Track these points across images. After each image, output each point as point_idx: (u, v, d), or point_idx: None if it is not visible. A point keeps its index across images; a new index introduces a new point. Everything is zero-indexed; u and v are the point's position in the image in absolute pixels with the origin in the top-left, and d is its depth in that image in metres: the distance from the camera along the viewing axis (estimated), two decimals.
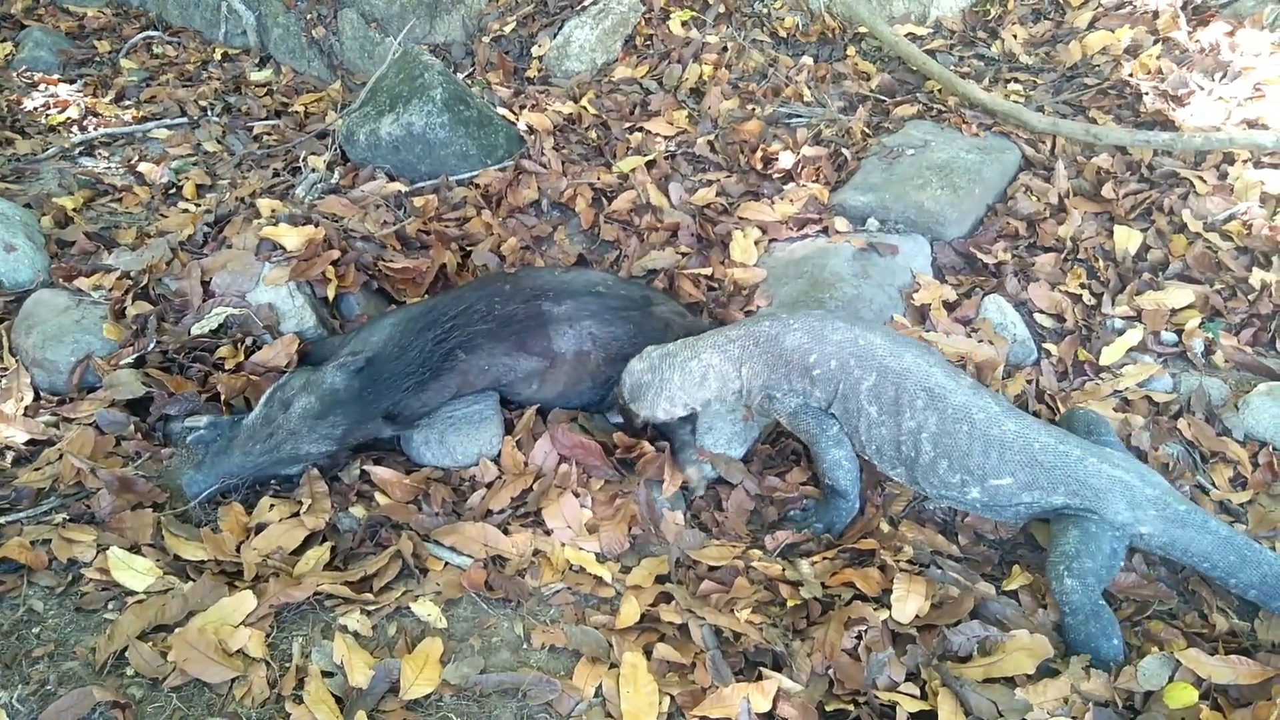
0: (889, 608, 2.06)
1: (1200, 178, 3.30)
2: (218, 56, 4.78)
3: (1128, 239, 3.15)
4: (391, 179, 3.59)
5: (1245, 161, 3.34)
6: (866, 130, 3.74)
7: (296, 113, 4.32)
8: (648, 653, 1.96)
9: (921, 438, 2.23)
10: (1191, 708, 1.90)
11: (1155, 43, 3.90)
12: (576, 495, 2.36)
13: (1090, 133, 3.44)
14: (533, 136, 3.81)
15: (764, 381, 2.36)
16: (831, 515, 2.38)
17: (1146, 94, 3.66)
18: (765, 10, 4.46)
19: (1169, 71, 3.74)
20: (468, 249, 3.20)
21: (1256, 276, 2.97)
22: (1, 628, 1.92)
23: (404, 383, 2.36)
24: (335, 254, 2.92)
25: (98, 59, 4.72)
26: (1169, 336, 2.89)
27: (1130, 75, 3.79)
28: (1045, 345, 2.92)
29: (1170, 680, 1.96)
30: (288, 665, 1.87)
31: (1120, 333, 2.89)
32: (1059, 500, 2.17)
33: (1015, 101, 3.73)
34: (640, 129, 3.85)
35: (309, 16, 4.63)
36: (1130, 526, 2.12)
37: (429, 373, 2.39)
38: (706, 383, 2.38)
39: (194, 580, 2.04)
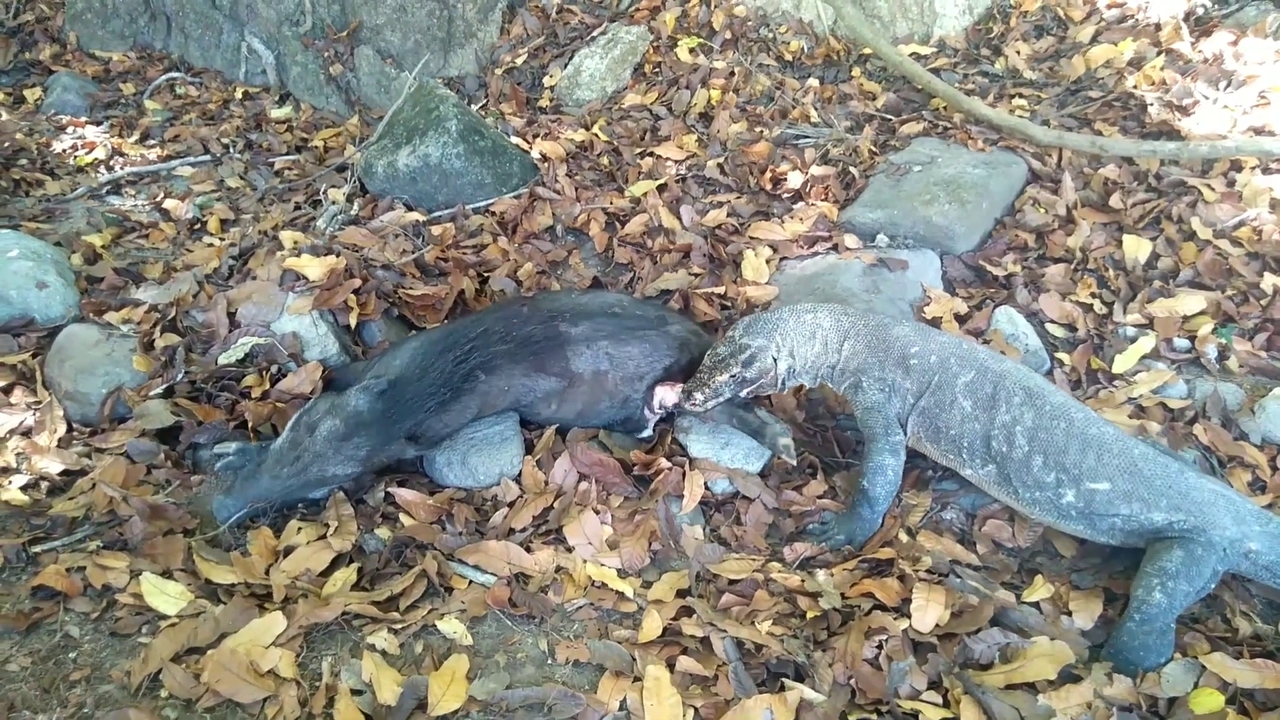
0: (909, 617, 2.08)
1: (1208, 185, 3.32)
2: (239, 95, 4.91)
3: (1137, 248, 3.17)
4: (409, 209, 3.66)
5: (1253, 168, 3.36)
6: (873, 149, 3.79)
7: (316, 147, 4.42)
8: (670, 666, 1.98)
9: (1016, 431, 2.23)
10: (1218, 713, 1.90)
11: (1158, 54, 3.93)
12: (597, 512, 2.40)
13: (1096, 144, 3.47)
14: (546, 164, 3.88)
15: (859, 364, 2.41)
16: (854, 525, 2.39)
17: (1151, 105, 3.69)
18: (771, 35, 4.53)
19: (1173, 82, 3.77)
20: (485, 275, 3.26)
21: (1268, 281, 2.98)
22: (39, 653, 1.97)
23: (426, 403, 2.41)
24: (356, 283, 2.99)
25: (123, 101, 4.86)
26: (1182, 343, 2.90)
27: (1134, 87, 3.82)
28: (1058, 355, 2.94)
29: (1195, 685, 1.96)
30: (318, 684, 1.91)
31: (1133, 340, 2.90)
32: (1160, 517, 2.11)
33: (1020, 116, 3.77)
34: (651, 154, 3.92)
35: (326, 54, 4.75)
36: (1239, 544, 2.07)
37: (450, 393, 2.43)
38: (813, 340, 2.45)
39: (225, 603, 2.09)
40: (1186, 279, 3.09)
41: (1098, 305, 3.06)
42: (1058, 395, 2.28)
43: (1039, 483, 2.22)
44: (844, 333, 2.44)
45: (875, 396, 2.39)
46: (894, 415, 2.39)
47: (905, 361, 2.37)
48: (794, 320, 2.47)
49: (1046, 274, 3.16)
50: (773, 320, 2.48)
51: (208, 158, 4.34)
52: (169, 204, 3.88)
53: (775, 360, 2.44)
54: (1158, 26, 4.07)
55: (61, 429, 2.63)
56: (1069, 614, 2.16)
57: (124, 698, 1.87)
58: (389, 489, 2.49)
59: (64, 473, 2.48)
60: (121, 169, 4.19)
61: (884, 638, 2.02)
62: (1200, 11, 4.13)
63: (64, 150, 4.32)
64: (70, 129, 4.52)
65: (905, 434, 2.40)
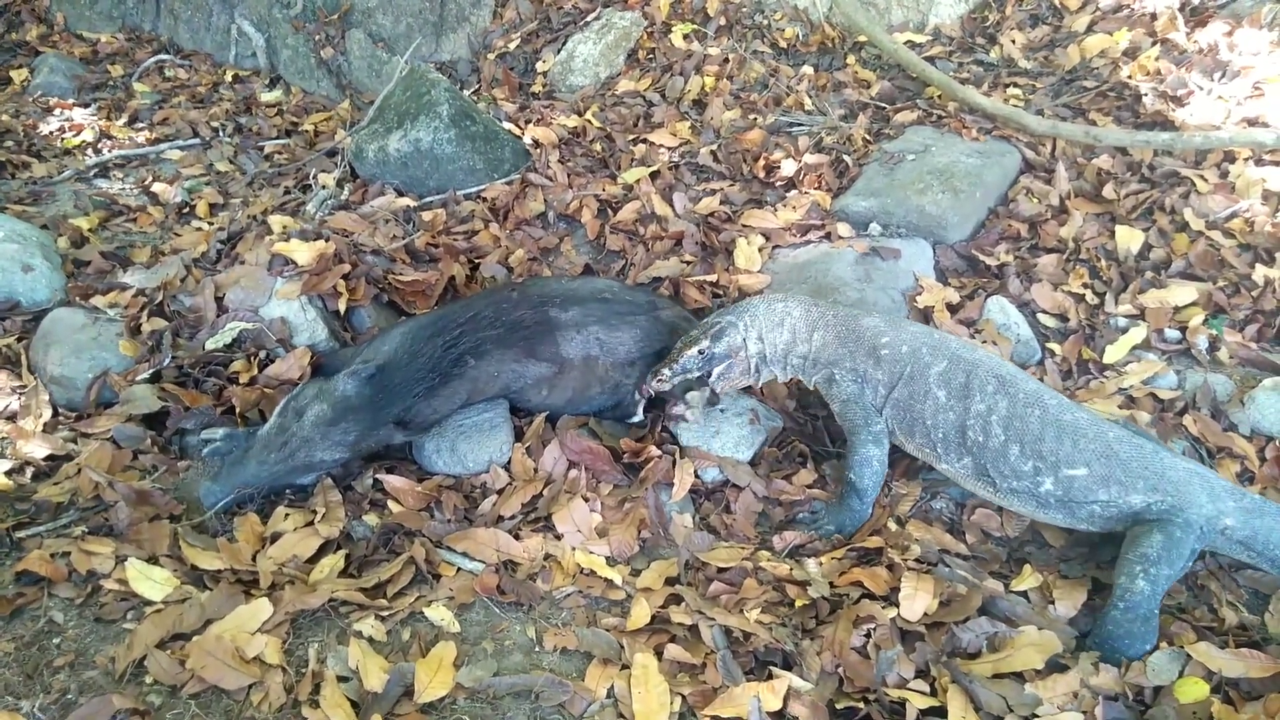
0: (897, 606, 2.07)
1: (1201, 176, 3.32)
2: (228, 78, 4.86)
3: (1130, 238, 3.16)
4: (400, 194, 3.64)
5: (1246, 159, 3.35)
6: (867, 137, 3.78)
7: (306, 131, 4.38)
8: (659, 654, 1.98)
9: (991, 420, 2.22)
10: (1202, 702, 1.90)
11: (1153, 44, 3.92)
12: (586, 500, 2.39)
13: (1090, 134, 3.46)
14: (538, 150, 3.86)
15: (830, 355, 2.40)
16: (844, 516, 2.39)
17: (1146, 95, 3.68)
18: (765, 22, 4.51)
19: (1168, 72, 3.76)
20: (476, 261, 3.24)
21: (1260, 273, 2.97)
22: (23, 639, 1.95)
23: (414, 388, 2.40)
24: (346, 268, 2.97)
25: (111, 83, 4.81)
26: (1173, 334, 2.90)
27: (1129, 77, 3.81)
28: (1049, 345, 2.94)
29: (1181, 674, 1.96)
30: (304, 671, 1.90)
31: (1124, 331, 2.90)
32: (1138, 500, 2.11)
33: (1015, 105, 3.75)
34: (644, 140, 3.90)
35: (317, 38, 4.71)
36: (1215, 520, 2.08)
37: (439, 378, 2.42)
38: (782, 328, 2.44)
39: (211, 589, 2.08)
40: (1178, 270, 3.09)
41: (1089, 295, 3.06)
42: (1030, 383, 2.28)
43: (1016, 472, 2.21)
44: (813, 323, 2.43)
45: (850, 388, 2.38)
46: (871, 404, 2.38)
47: (876, 352, 2.36)
48: (764, 306, 2.47)
49: (1039, 264, 3.16)
50: (743, 305, 2.50)
51: (197, 141, 4.30)
52: (157, 187, 3.85)
53: (745, 340, 2.43)
54: (1153, 16, 4.05)
55: (47, 413, 2.61)
56: (1053, 603, 2.16)
57: (108, 684, 1.85)
58: (377, 475, 2.48)
59: (49, 457, 2.46)
60: (109, 152, 4.15)
61: (872, 626, 2.02)
62: (1196, 1, 4.11)
63: (51, 132, 4.28)
64: (57, 111, 4.48)
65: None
